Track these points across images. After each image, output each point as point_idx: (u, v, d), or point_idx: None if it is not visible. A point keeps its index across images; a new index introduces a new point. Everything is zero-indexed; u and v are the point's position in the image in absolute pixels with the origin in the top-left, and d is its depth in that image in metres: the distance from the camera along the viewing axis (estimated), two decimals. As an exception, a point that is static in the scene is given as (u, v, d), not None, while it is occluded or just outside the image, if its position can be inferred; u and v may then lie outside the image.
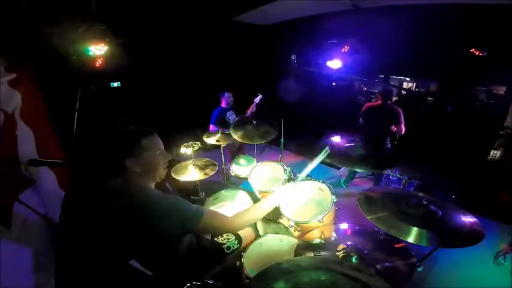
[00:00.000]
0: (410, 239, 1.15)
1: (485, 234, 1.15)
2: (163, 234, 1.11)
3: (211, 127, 3.76)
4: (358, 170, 3.60)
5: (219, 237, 1.57)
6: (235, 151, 3.71)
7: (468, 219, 1.27)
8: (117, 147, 1.15)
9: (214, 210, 1.27)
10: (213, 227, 1.23)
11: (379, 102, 3.45)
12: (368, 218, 1.29)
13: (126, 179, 1.18)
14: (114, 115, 3.28)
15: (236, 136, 2.66)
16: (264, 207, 1.38)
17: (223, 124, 3.74)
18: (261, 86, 4.23)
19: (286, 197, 1.51)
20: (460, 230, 1.20)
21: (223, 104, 3.86)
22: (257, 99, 3.87)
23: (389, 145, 3.41)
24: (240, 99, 3.98)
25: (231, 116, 3.85)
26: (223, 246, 1.51)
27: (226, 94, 3.84)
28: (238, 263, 1.57)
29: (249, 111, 3.89)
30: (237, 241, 1.58)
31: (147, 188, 1.18)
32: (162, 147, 1.25)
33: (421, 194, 1.45)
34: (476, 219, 1.26)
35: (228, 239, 1.57)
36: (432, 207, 1.30)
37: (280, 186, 1.48)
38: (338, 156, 2.01)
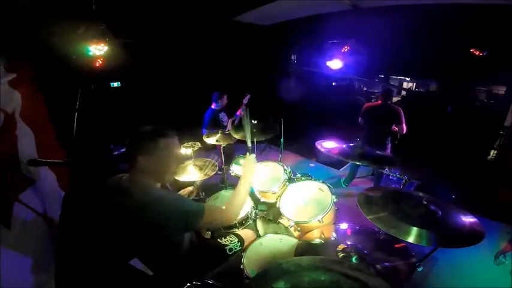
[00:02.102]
0: (410, 239, 1.15)
1: (486, 234, 1.15)
2: (167, 232, 1.11)
3: (205, 132, 3.66)
4: (359, 164, 3.57)
5: (222, 238, 1.58)
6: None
7: (468, 219, 1.27)
8: (133, 142, 1.17)
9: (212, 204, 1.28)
10: (214, 220, 1.25)
11: (380, 102, 3.45)
12: (368, 218, 1.29)
13: (132, 176, 1.19)
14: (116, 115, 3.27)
15: (238, 136, 2.67)
16: (243, 187, 1.38)
17: (217, 125, 3.67)
18: (261, 86, 4.23)
19: (254, 170, 1.50)
20: (460, 230, 1.21)
21: (214, 106, 3.78)
22: (245, 100, 3.88)
23: (389, 145, 3.40)
24: (239, 100, 3.99)
25: (224, 117, 3.83)
26: (225, 248, 1.52)
27: (225, 96, 3.79)
28: (238, 263, 1.57)
29: (238, 113, 3.89)
30: (239, 243, 1.59)
31: (151, 187, 1.19)
32: (178, 152, 1.27)
33: (421, 194, 1.45)
34: (476, 219, 1.26)
35: (231, 241, 1.57)
36: (432, 207, 1.30)
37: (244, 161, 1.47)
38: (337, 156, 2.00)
